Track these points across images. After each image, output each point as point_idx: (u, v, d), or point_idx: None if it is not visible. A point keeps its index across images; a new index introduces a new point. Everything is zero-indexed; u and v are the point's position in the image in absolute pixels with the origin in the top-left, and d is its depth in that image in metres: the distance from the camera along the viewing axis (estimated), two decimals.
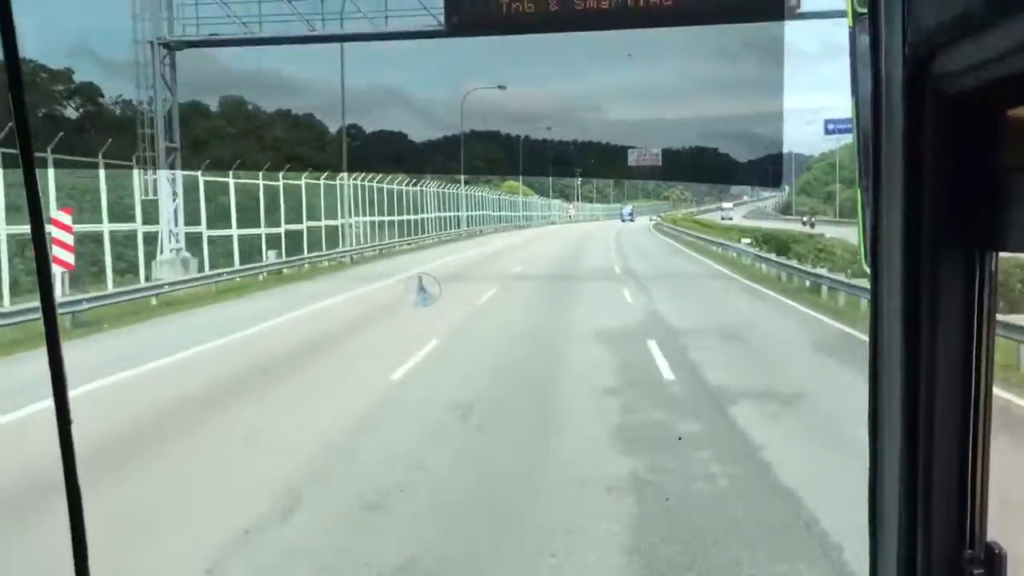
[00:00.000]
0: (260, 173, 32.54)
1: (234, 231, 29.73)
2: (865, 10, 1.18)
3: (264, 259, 30.78)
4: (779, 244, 37.11)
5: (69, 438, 1.23)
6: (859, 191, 1.33)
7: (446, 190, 56.24)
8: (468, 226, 59.65)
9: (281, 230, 32.75)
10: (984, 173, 1.11)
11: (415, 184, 50.06)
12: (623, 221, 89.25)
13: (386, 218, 44.61)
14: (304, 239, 34.96)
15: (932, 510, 1.20)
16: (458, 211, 58.42)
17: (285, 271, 30.20)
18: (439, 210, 54.65)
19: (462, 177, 58.58)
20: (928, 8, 1.07)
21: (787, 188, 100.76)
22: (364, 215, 41.68)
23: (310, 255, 33.69)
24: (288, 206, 33.92)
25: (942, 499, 1.20)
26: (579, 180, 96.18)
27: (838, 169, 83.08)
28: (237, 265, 28.41)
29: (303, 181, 35.40)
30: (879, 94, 1.16)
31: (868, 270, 1.25)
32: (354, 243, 39.14)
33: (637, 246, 50.18)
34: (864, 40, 1.19)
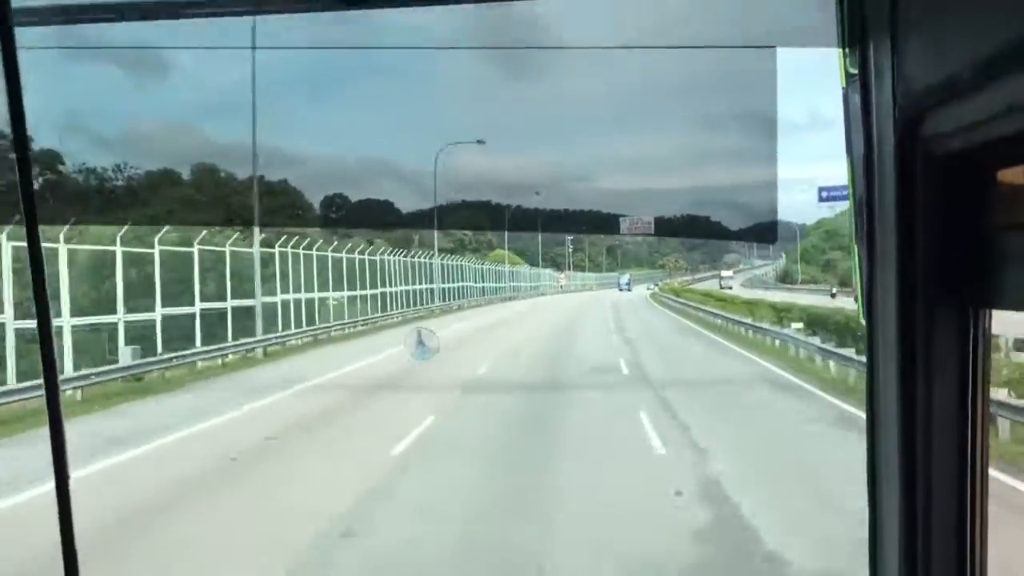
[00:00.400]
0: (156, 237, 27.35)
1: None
2: (856, 71, 1.24)
3: (119, 359, 23.11)
4: (839, 329, 25.95)
5: (61, 431, 1.26)
6: (855, 250, 1.38)
7: (423, 259, 53.60)
8: (444, 300, 55.36)
9: (156, 315, 26.21)
10: (976, 233, 1.16)
11: (392, 253, 47.99)
12: (620, 290, 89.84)
13: (334, 294, 40.02)
14: (228, 320, 30.24)
15: (932, 565, 1.22)
16: (431, 283, 54.54)
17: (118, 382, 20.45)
18: (414, 282, 51.31)
19: (435, 242, 56.34)
20: (917, 70, 1.13)
21: (783, 256, 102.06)
22: (308, 291, 36.81)
23: (199, 349, 26.53)
24: (212, 277, 29.93)
25: (941, 560, 1.22)
26: (570, 248, 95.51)
27: (836, 237, 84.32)
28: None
29: (227, 248, 30.74)
30: (871, 155, 1.22)
31: (864, 324, 1.29)
32: (281, 327, 33.45)
33: (643, 325, 41.81)
34: (856, 101, 1.25)
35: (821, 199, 79.02)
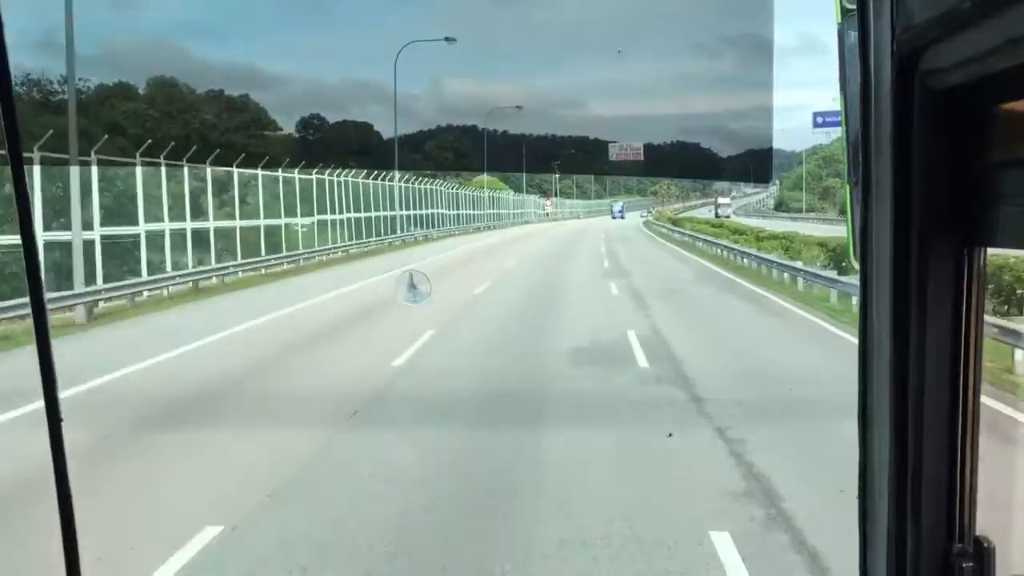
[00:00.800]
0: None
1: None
2: (853, 7, 1.25)
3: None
4: None
5: (59, 435, 1.29)
6: (848, 187, 1.40)
7: (407, 184, 50.62)
8: (409, 228, 50.31)
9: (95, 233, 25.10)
10: (974, 169, 1.18)
11: (367, 177, 45.16)
12: (613, 218, 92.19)
13: (303, 220, 37.86)
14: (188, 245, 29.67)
15: (922, 504, 1.27)
16: (394, 210, 48.98)
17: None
18: (376, 209, 46.50)
19: (396, 159, 50.35)
20: (916, 5, 1.14)
21: (777, 183, 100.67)
22: (272, 216, 35.08)
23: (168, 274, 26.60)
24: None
25: (931, 493, 1.28)
26: (557, 175, 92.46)
27: (833, 163, 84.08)
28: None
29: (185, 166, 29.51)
30: (868, 90, 1.23)
31: (857, 266, 1.32)
32: (241, 255, 31.85)
33: (644, 262, 35.87)
34: (852, 36, 1.26)
35: (816, 125, 79.10)
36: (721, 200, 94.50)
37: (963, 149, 1.18)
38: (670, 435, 9.64)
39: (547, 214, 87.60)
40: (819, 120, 78.65)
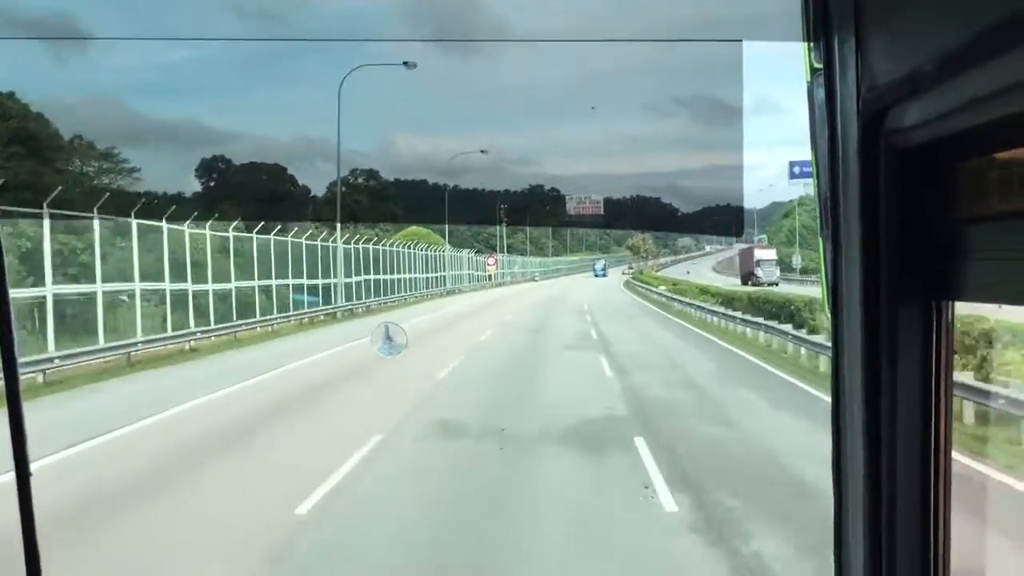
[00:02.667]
0: None
1: None
2: (821, 66, 1.35)
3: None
4: None
5: (28, 491, 1.33)
6: (820, 241, 1.50)
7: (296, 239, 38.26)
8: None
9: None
10: (939, 225, 1.28)
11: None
12: (596, 276, 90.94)
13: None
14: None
15: (896, 557, 1.34)
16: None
17: None
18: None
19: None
20: (880, 65, 1.24)
21: (763, 236, 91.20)
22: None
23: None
24: None
25: (906, 547, 1.34)
26: (504, 224, 73.28)
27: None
28: None
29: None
30: (836, 147, 1.34)
31: (828, 317, 1.40)
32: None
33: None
34: (821, 95, 1.36)
35: (793, 176, 78.76)
36: (761, 254, 58.38)
37: (928, 205, 1.27)
38: None
39: (489, 277, 65.25)
40: (796, 170, 78.58)
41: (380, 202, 54.82)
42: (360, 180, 58.42)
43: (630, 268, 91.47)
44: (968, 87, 1.06)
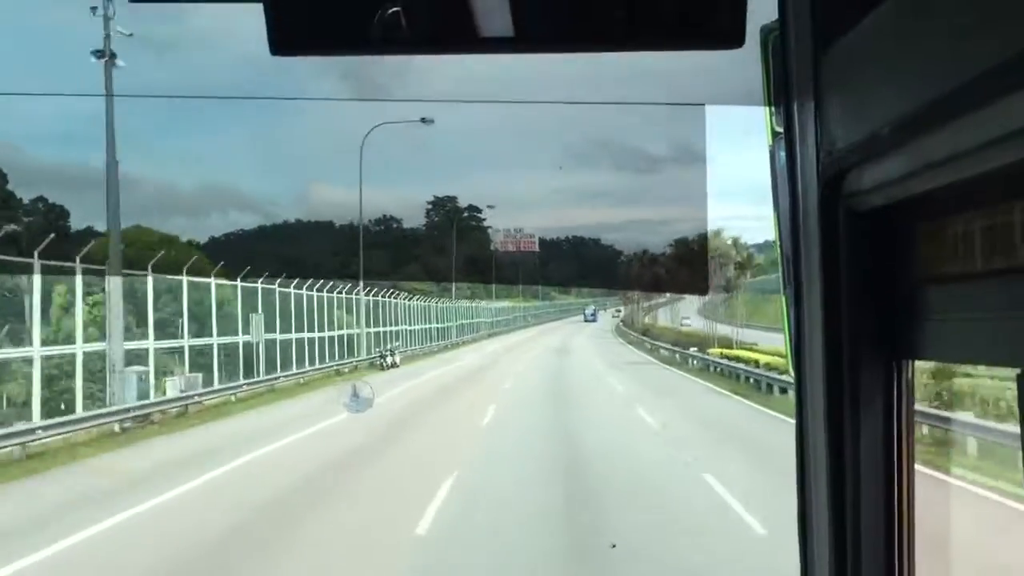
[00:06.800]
0: None
1: None
2: (782, 130, 1.49)
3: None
4: None
5: None
6: (783, 298, 1.62)
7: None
8: None
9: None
10: (897, 286, 1.40)
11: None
12: (586, 321, 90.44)
13: None
14: None
15: None
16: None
17: None
18: None
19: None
20: (839, 131, 1.37)
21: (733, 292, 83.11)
22: None
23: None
24: None
25: None
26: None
27: None
28: None
29: None
30: (796, 209, 1.47)
31: (793, 375, 1.53)
32: None
33: None
34: (782, 157, 1.49)
35: None
36: None
37: (887, 267, 1.40)
38: None
39: (382, 358, 44.08)
40: None
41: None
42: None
43: (618, 312, 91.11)
44: (923, 151, 1.16)
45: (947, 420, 15.66)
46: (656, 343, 56.34)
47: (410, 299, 54.92)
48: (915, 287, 1.36)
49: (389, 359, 43.65)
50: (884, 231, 1.39)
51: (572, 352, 53.71)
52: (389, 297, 50.47)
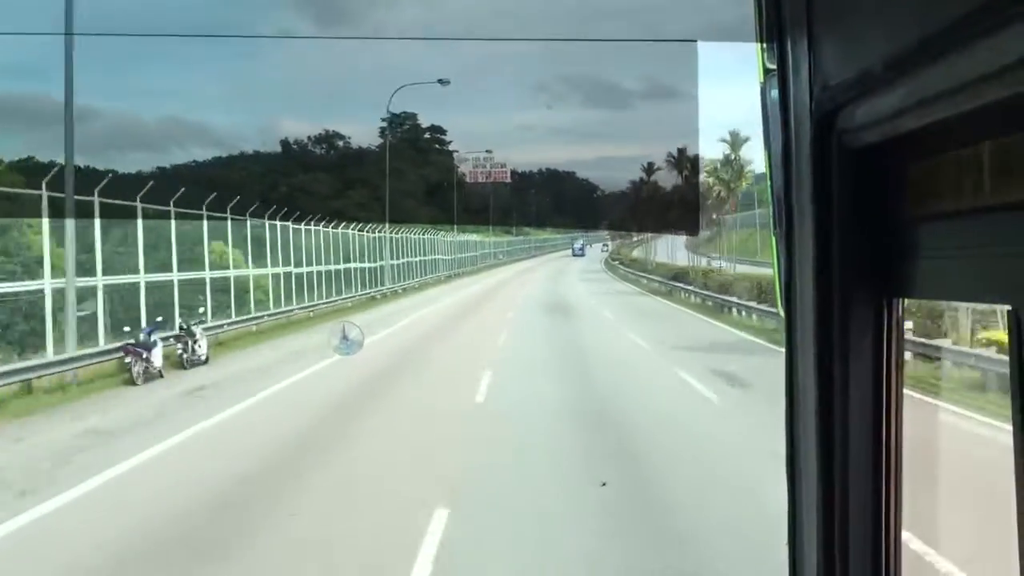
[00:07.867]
0: None
1: None
2: (775, 67, 1.49)
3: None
4: None
5: None
6: (773, 237, 1.64)
7: None
8: None
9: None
10: (889, 224, 1.42)
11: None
12: (574, 255, 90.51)
13: None
14: None
15: (849, 551, 1.49)
16: None
17: None
18: None
19: None
20: (833, 67, 1.38)
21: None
22: None
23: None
24: None
25: (858, 545, 1.49)
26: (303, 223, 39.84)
27: None
28: None
29: None
30: (789, 148, 1.48)
31: (783, 315, 1.55)
32: None
33: None
34: (774, 95, 1.50)
35: None
36: None
37: (880, 205, 1.42)
38: None
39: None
40: None
41: None
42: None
43: (605, 247, 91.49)
44: (917, 88, 1.17)
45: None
46: (652, 278, 58.30)
47: (342, 228, 42.60)
48: (907, 225, 1.38)
49: (180, 349, 23.73)
50: (877, 169, 1.40)
51: (571, 310, 39.79)
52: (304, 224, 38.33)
